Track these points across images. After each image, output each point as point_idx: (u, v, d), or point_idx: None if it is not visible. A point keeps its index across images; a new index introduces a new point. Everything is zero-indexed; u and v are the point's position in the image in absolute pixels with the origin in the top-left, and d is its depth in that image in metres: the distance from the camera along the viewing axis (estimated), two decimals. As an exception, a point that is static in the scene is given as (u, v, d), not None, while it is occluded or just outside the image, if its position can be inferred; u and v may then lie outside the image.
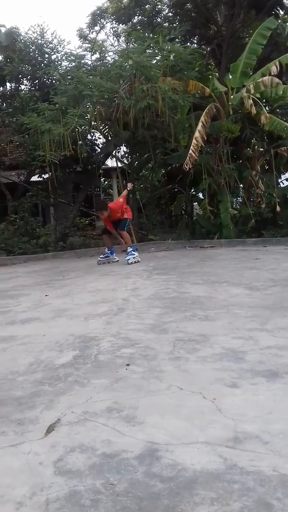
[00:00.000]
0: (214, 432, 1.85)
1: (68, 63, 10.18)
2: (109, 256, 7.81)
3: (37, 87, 10.92)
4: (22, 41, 10.94)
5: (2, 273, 7.79)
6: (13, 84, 11.85)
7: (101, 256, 7.88)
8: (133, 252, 7.47)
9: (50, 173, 9.68)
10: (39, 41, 11.18)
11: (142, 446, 1.77)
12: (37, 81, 10.94)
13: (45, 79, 10.75)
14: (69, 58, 10.11)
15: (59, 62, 10.86)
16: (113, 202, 8.00)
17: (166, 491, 1.49)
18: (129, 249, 7.46)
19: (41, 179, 11.36)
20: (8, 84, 12.08)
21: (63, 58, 10.74)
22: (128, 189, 8.18)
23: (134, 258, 7.40)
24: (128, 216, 7.73)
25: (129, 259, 7.32)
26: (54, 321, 3.84)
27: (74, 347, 3.08)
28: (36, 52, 10.98)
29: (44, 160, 8.77)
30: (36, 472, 1.64)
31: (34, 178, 11.99)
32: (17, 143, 11.32)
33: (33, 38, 11.19)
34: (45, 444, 1.82)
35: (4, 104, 11.69)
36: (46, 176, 10.82)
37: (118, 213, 7.52)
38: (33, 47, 11.02)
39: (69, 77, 9.55)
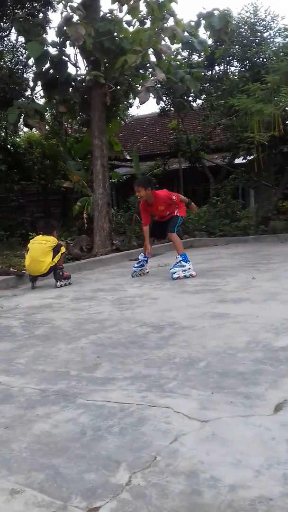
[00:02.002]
0: None
1: (281, 39, 9.81)
2: (143, 265, 6.07)
3: (247, 68, 10.84)
4: (234, 22, 10.94)
5: (206, 253, 8.12)
6: (222, 67, 12.03)
7: (135, 265, 6.10)
8: (183, 263, 5.56)
9: (255, 155, 9.58)
10: (251, 20, 11.03)
11: None
12: (247, 61, 10.85)
13: (256, 59, 10.58)
14: (282, 34, 9.74)
15: (272, 40, 10.55)
16: (162, 190, 6.10)
17: None
18: (178, 258, 5.61)
19: (245, 161, 11.34)
20: (216, 67, 12.32)
21: (276, 34, 10.39)
22: (189, 207, 6.27)
23: (184, 271, 5.51)
24: (181, 214, 5.91)
25: (174, 273, 5.50)
26: (266, 304, 3.84)
27: (290, 331, 3.04)
28: (248, 32, 10.87)
29: (252, 142, 8.72)
30: (270, 446, 1.69)
31: (238, 160, 12.04)
32: (222, 126, 11.51)
33: (245, 18, 11.10)
34: (275, 421, 1.86)
35: (213, 88, 11.96)
36: (250, 158, 10.75)
37: (162, 206, 5.78)
38: (245, 27, 10.93)
39: (281, 53, 9.21)
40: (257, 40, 10.81)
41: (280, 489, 1.44)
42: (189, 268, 5.58)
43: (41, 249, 5.75)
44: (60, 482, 1.57)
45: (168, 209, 5.81)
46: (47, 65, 9.05)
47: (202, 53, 11.28)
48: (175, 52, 11.84)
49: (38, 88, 10.14)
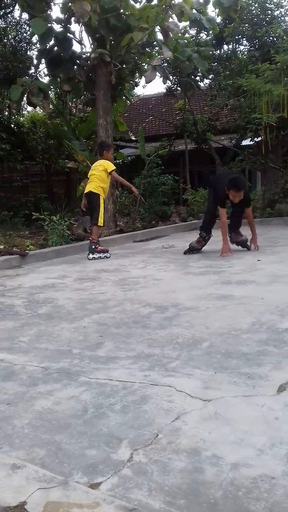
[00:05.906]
0: None
1: (292, 17, 9.56)
2: None
3: (256, 47, 10.59)
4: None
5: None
6: (231, 46, 11.77)
7: None
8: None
9: (263, 136, 9.43)
10: (262, -2, 10.74)
11: None
12: (257, 40, 10.60)
13: (265, 38, 10.33)
14: (293, 12, 9.49)
15: (282, 18, 10.29)
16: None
17: None
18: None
19: (252, 143, 11.15)
20: (225, 46, 12.06)
21: (287, 13, 10.12)
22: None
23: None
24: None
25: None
26: (271, 286, 3.81)
27: (296, 313, 3.01)
28: (258, 10, 10.59)
29: (259, 123, 8.56)
30: (273, 426, 1.67)
31: (245, 142, 11.85)
32: (230, 107, 11.30)
33: (256, -5, 10.81)
34: (279, 401, 1.84)
35: (221, 67, 11.73)
36: (258, 139, 10.58)
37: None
38: (255, 5, 10.65)
39: (292, 32, 8.99)
40: (267, 19, 10.52)
41: (282, 468, 1.42)
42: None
43: (97, 175, 6.38)
44: (62, 458, 1.57)
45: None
46: (51, 42, 8.87)
47: (211, 32, 11.02)
48: (183, 30, 11.60)
49: (42, 66, 9.97)
